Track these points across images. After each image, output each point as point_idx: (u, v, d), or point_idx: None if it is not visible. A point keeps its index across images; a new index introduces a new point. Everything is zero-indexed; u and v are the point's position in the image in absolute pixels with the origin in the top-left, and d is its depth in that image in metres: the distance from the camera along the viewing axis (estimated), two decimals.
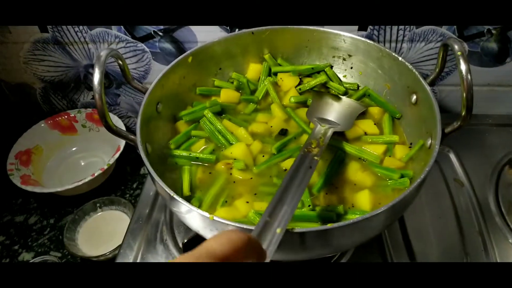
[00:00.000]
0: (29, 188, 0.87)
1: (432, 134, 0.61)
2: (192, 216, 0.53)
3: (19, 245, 0.88)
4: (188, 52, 0.75)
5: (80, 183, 0.87)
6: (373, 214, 0.49)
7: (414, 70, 0.68)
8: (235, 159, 0.68)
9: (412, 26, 0.85)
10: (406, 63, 0.70)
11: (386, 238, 0.73)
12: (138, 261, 0.72)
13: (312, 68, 0.82)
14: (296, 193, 0.50)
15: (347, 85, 0.81)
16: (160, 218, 0.79)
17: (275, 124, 0.74)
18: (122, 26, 0.89)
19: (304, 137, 0.72)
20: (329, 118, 0.71)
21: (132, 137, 0.63)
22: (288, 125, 0.74)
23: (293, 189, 0.50)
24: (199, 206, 0.62)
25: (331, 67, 0.83)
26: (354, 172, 0.66)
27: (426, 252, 0.72)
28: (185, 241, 0.73)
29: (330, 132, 0.66)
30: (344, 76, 0.83)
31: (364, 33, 0.87)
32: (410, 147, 0.70)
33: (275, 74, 0.83)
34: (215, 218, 0.50)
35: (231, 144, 0.70)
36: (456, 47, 0.55)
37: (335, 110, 0.74)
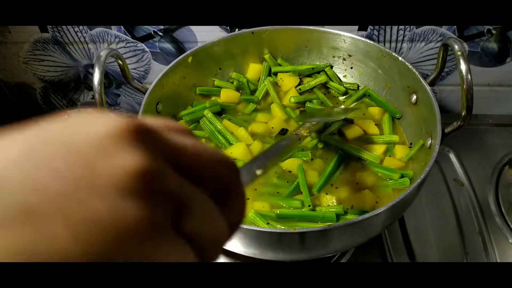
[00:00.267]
0: None
1: (432, 134, 0.61)
2: None
3: None
4: (188, 52, 0.75)
5: None
6: (373, 214, 0.49)
7: (414, 70, 0.68)
8: (235, 159, 0.68)
9: (412, 26, 0.85)
10: (406, 63, 0.70)
11: (386, 238, 0.73)
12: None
13: (312, 68, 0.82)
14: (280, 150, 0.47)
15: (347, 85, 0.81)
16: None
17: (275, 124, 0.74)
18: (122, 26, 0.89)
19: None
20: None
21: None
22: (288, 125, 0.74)
23: (278, 148, 0.47)
24: None
25: (331, 67, 0.83)
26: (354, 172, 0.66)
27: (426, 252, 0.72)
28: None
29: (318, 120, 0.66)
30: (344, 76, 0.83)
31: (364, 33, 0.87)
32: (410, 147, 0.70)
33: (275, 74, 0.83)
34: None
35: (231, 144, 0.70)
36: (456, 47, 0.56)
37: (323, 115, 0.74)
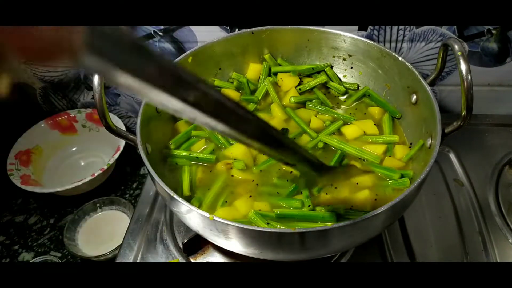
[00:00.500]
0: (29, 188, 0.86)
1: (432, 134, 0.61)
2: (192, 216, 0.53)
3: (19, 245, 0.88)
4: (188, 52, 0.75)
5: (80, 183, 0.86)
6: (373, 214, 0.49)
7: (414, 70, 0.68)
8: (235, 159, 0.68)
9: (412, 26, 0.85)
10: (406, 63, 0.70)
11: (386, 238, 0.73)
12: (138, 261, 0.72)
13: (312, 68, 0.82)
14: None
15: (347, 85, 0.81)
16: (160, 218, 0.79)
17: (275, 124, 0.74)
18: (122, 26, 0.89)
19: (304, 137, 0.72)
20: None
21: (132, 137, 0.63)
22: (288, 125, 0.74)
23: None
24: (199, 206, 0.62)
25: (331, 67, 0.83)
26: (354, 172, 0.66)
27: (426, 252, 0.72)
28: (185, 241, 0.73)
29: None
30: (344, 76, 0.83)
31: (364, 33, 0.87)
32: (410, 147, 0.70)
33: (275, 74, 0.83)
34: (215, 218, 0.50)
35: (231, 144, 0.70)
36: (456, 47, 0.55)
37: None
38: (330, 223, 0.49)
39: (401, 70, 0.71)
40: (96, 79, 0.57)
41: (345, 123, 0.74)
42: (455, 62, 0.56)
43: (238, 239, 0.52)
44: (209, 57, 0.79)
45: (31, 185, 0.88)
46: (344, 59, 0.81)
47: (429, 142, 0.63)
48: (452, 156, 0.88)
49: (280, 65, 0.83)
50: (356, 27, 0.87)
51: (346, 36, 0.77)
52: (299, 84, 0.81)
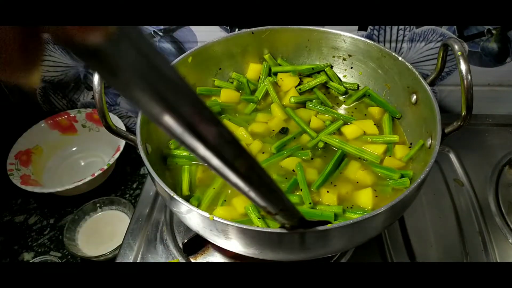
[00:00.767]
0: (29, 188, 0.86)
1: (432, 134, 0.61)
2: (192, 216, 0.53)
3: (19, 245, 0.88)
4: (188, 52, 0.75)
5: (80, 183, 0.86)
6: (373, 214, 0.49)
7: (414, 70, 0.68)
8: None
9: (412, 26, 0.85)
10: (406, 63, 0.70)
11: (386, 238, 0.73)
12: (138, 261, 0.72)
13: (312, 68, 0.82)
14: None
15: (347, 85, 0.81)
16: (160, 218, 0.79)
17: (275, 124, 0.74)
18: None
19: (304, 137, 0.72)
20: None
21: (132, 137, 0.63)
22: (288, 125, 0.74)
23: None
24: (198, 205, 0.62)
25: (331, 67, 0.83)
26: (354, 171, 0.66)
27: (426, 252, 0.72)
28: (185, 241, 0.73)
29: None
30: (344, 76, 0.83)
31: (364, 33, 0.87)
32: (410, 147, 0.70)
33: (275, 74, 0.83)
34: (215, 218, 0.50)
35: None
36: (456, 47, 0.55)
37: None
38: (330, 223, 0.49)
39: (401, 70, 0.71)
40: (96, 79, 0.57)
41: (345, 123, 0.74)
42: (455, 62, 0.56)
43: (238, 239, 0.52)
44: (209, 57, 0.79)
45: (31, 185, 0.88)
46: (344, 59, 0.81)
47: (429, 142, 0.63)
48: (452, 156, 0.88)
49: (280, 65, 0.84)
50: (356, 27, 0.87)
51: (346, 36, 0.78)
52: (299, 84, 0.81)
